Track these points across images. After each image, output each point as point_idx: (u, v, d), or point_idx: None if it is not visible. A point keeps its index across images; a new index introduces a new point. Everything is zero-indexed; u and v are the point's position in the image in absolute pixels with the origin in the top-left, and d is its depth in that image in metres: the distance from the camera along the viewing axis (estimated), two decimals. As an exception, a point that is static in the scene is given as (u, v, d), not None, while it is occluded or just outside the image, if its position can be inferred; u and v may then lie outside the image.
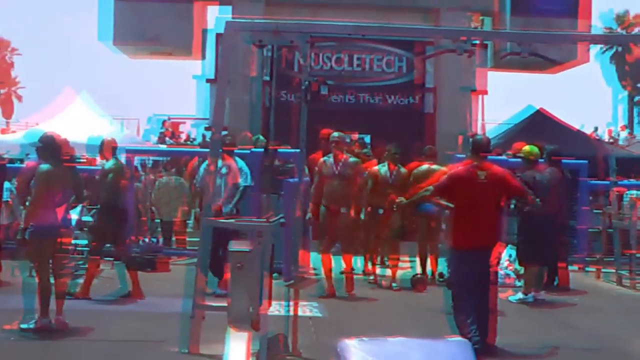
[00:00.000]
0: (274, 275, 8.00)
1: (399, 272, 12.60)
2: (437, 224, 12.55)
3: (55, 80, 72.12)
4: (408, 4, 20.91)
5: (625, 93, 57.38)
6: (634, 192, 14.26)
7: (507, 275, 12.75)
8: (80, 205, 10.59)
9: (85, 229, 12.06)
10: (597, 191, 15.87)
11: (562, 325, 10.40)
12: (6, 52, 67.84)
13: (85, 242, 11.82)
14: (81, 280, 10.78)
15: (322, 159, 11.67)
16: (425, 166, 12.75)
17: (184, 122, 29.66)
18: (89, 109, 25.93)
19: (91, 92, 27.87)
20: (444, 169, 11.72)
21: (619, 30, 56.54)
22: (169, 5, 21.08)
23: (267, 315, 7.24)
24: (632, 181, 16.35)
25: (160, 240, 15.08)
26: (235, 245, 6.95)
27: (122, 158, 14.81)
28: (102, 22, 22.10)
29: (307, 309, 10.07)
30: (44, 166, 8.83)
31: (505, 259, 12.68)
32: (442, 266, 12.36)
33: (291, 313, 8.15)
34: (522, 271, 12.26)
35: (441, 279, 12.45)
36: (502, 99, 30.45)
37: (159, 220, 15.73)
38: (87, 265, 10.81)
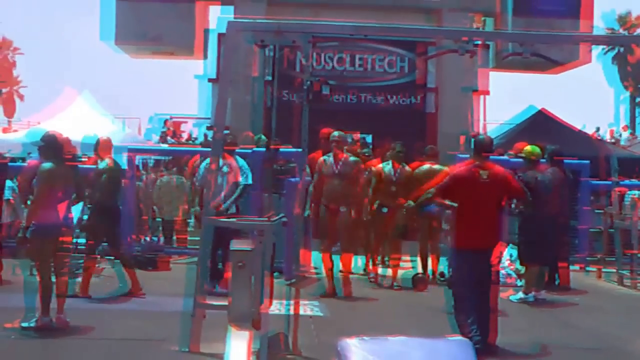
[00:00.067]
0: (275, 274, 8.01)
1: (400, 272, 12.59)
2: (438, 223, 12.55)
3: (57, 79, 72.20)
4: (410, 4, 20.93)
5: (627, 94, 57.37)
6: (636, 192, 14.24)
7: (508, 274, 12.76)
8: (82, 203, 10.58)
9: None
10: (598, 191, 15.87)
11: (563, 325, 10.41)
12: (8, 51, 67.83)
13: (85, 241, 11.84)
14: (79, 279, 10.77)
15: (321, 158, 11.67)
16: (426, 166, 12.77)
17: (186, 122, 29.64)
18: (91, 108, 25.99)
19: (93, 92, 27.95)
20: (445, 168, 11.74)
21: (621, 31, 56.49)
22: (170, 5, 21.09)
23: (267, 314, 7.25)
24: (634, 181, 16.35)
25: (162, 239, 15.08)
26: (236, 244, 6.96)
27: (124, 157, 14.90)
28: (104, 21, 22.12)
29: (307, 308, 10.07)
30: (46, 165, 8.84)
31: (506, 258, 12.67)
32: (443, 266, 12.37)
33: (292, 312, 8.17)
34: (523, 271, 12.27)
35: (442, 279, 12.44)
36: (504, 99, 30.40)
37: (160, 219, 15.74)
38: (83, 264, 10.78)
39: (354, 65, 21.14)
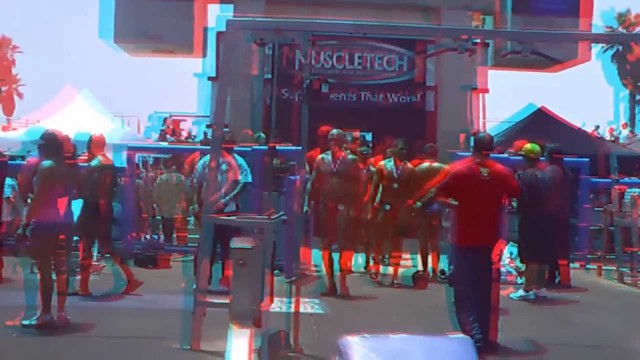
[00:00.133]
0: (276, 272, 8.01)
1: (400, 270, 12.60)
2: (438, 221, 12.56)
3: (56, 77, 72.08)
4: (409, 2, 20.91)
5: (627, 92, 57.37)
6: (636, 190, 14.24)
7: (509, 272, 12.76)
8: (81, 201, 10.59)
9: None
10: (598, 189, 15.86)
11: (564, 323, 10.42)
12: (7, 49, 67.85)
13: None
14: (78, 277, 10.77)
15: (319, 156, 11.62)
16: (426, 164, 12.78)
17: (185, 120, 29.69)
18: (90, 106, 25.99)
19: (92, 90, 27.95)
20: (445, 166, 11.75)
21: (620, 29, 56.49)
22: (170, 3, 21.06)
23: (268, 312, 7.25)
24: (634, 179, 16.36)
25: (162, 237, 15.08)
26: (237, 243, 6.96)
27: (123, 155, 14.92)
28: (103, 19, 22.09)
29: (308, 306, 10.08)
30: (46, 163, 8.84)
31: (507, 256, 12.69)
32: (444, 263, 12.38)
33: (293, 310, 8.17)
34: (523, 268, 12.28)
35: (442, 276, 12.45)
36: (503, 97, 30.42)
37: (159, 217, 15.73)
38: (80, 262, 10.77)
39: (353, 64, 21.12)
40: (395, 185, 12.36)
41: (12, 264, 11.89)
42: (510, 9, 21.70)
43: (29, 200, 9.17)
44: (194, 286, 10.20)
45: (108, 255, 12.12)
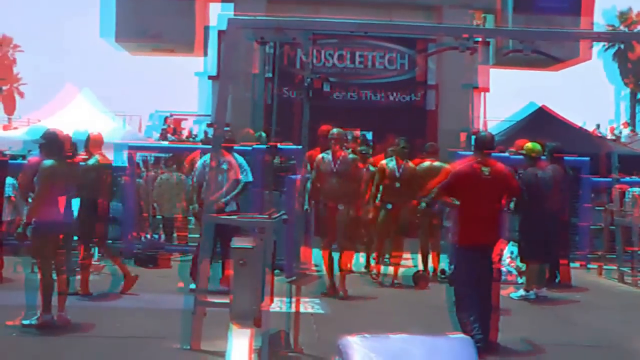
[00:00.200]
0: (276, 271, 8.01)
1: (400, 269, 12.58)
2: (439, 220, 12.55)
3: (57, 76, 72.11)
4: (410, 1, 20.93)
5: (628, 90, 57.35)
6: (636, 189, 14.23)
7: (509, 272, 12.75)
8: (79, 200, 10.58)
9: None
10: (599, 188, 15.86)
11: (564, 322, 10.42)
12: (8, 48, 67.89)
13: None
14: (79, 277, 10.76)
15: (320, 156, 11.57)
16: (426, 163, 12.76)
17: (186, 119, 29.70)
18: (91, 105, 26.00)
19: (93, 89, 27.97)
20: (445, 165, 11.74)
21: (621, 27, 56.45)
22: (171, 2, 21.08)
23: (269, 311, 7.25)
24: (635, 178, 16.34)
25: (162, 236, 15.07)
26: (238, 242, 6.95)
27: (124, 154, 14.91)
28: (104, 18, 22.13)
29: (308, 306, 10.08)
30: (48, 162, 8.84)
31: (507, 255, 12.68)
32: (444, 263, 12.38)
33: (293, 309, 8.17)
34: (523, 268, 12.27)
35: (443, 276, 12.45)
36: (505, 96, 30.45)
37: (160, 217, 15.72)
38: (79, 261, 10.76)
39: (354, 63, 21.13)
40: (397, 185, 12.32)
41: (13, 264, 11.89)
42: (512, 7, 21.72)
43: (29, 200, 9.15)
44: (191, 286, 10.29)
45: (101, 254, 12.12)
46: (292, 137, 11.10)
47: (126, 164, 14.99)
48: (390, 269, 12.60)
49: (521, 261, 12.32)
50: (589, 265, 14.70)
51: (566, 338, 9.36)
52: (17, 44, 68.72)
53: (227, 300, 6.97)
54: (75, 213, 9.79)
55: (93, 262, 11.77)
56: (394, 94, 21.07)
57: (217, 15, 22.58)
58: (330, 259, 11.26)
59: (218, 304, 7.81)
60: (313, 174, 11.55)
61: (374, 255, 13.15)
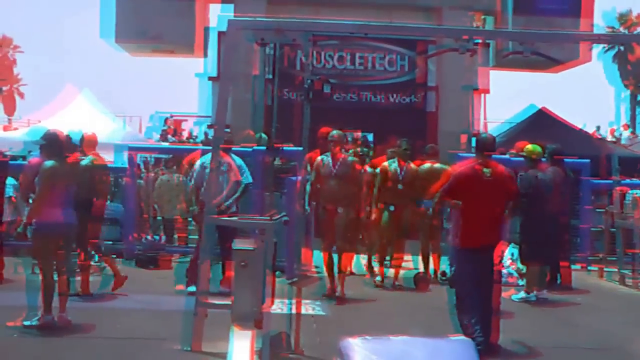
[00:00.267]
0: (277, 273, 7.99)
1: (401, 271, 12.57)
2: (440, 222, 12.54)
3: (57, 77, 72.03)
4: (410, 2, 20.93)
5: (628, 92, 57.36)
6: (637, 191, 14.23)
7: (510, 274, 12.75)
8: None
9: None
10: (599, 190, 15.85)
11: (565, 325, 10.41)
12: (8, 49, 67.87)
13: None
14: (79, 278, 10.75)
15: (319, 158, 11.50)
16: (427, 165, 12.75)
17: (186, 120, 29.71)
18: (91, 106, 26.01)
19: (93, 90, 27.96)
20: (446, 167, 11.73)
21: (621, 29, 56.48)
22: (171, 3, 21.07)
23: (269, 313, 7.24)
24: (635, 180, 16.32)
25: (163, 238, 15.05)
26: (239, 244, 6.95)
27: (125, 155, 14.91)
28: (104, 19, 22.12)
29: (309, 307, 10.08)
30: (49, 163, 8.84)
31: (508, 257, 12.68)
32: (445, 265, 12.36)
33: (294, 311, 8.17)
34: (524, 270, 12.27)
35: (443, 278, 12.43)
36: (504, 97, 30.44)
37: (160, 218, 15.71)
38: (78, 262, 10.75)
39: (355, 64, 21.13)
40: (400, 187, 12.27)
41: (14, 264, 11.89)
42: (512, 9, 21.73)
43: (30, 201, 9.15)
44: (190, 289, 10.28)
45: (113, 255, 12.12)
46: (292, 139, 11.09)
47: (126, 165, 15.00)
48: (391, 271, 12.59)
49: (522, 263, 12.31)
50: (589, 268, 14.69)
51: (567, 340, 9.36)
52: (17, 45, 68.74)
53: (228, 302, 6.97)
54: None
55: (93, 263, 11.77)
56: (394, 95, 21.08)
57: (217, 17, 22.62)
58: (330, 261, 11.24)
59: (219, 306, 7.81)
60: (313, 175, 11.50)
61: (375, 257, 13.12)
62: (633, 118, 53.41)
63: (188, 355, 7.83)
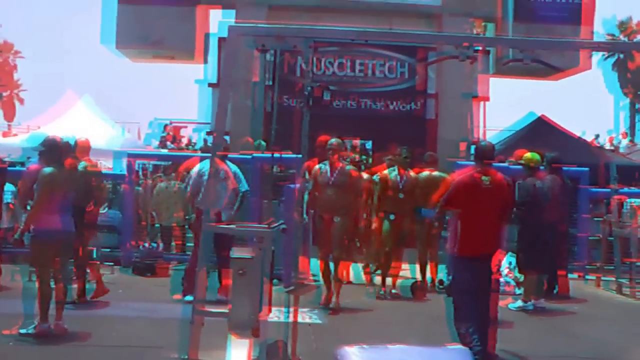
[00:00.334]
0: (274, 281, 7.98)
1: (398, 280, 12.55)
2: (437, 230, 12.53)
3: (57, 83, 72.07)
4: (411, 9, 20.91)
5: (627, 100, 57.37)
6: (635, 200, 14.23)
7: (507, 282, 12.73)
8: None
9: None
10: (597, 199, 15.84)
11: (562, 334, 10.40)
12: (9, 54, 67.89)
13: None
14: (76, 286, 10.73)
15: (317, 166, 11.44)
16: (425, 173, 12.75)
17: (186, 127, 29.65)
18: (91, 112, 26.00)
19: (93, 96, 27.97)
20: (445, 175, 11.73)
21: (621, 37, 56.52)
22: (171, 9, 21.06)
23: (267, 321, 7.22)
24: (633, 189, 16.32)
25: (160, 245, 15.03)
26: (237, 252, 6.94)
27: (123, 162, 14.89)
28: (105, 25, 22.11)
29: (306, 316, 10.07)
30: (47, 169, 8.84)
31: (505, 266, 12.67)
32: (442, 273, 12.35)
33: (291, 319, 8.14)
34: (521, 279, 12.26)
35: (441, 287, 12.42)
36: (504, 105, 30.42)
37: (158, 226, 15.68)
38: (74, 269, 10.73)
39: (355, 71, 21.11)
40: (401, 195, 12.22)
41: (11, 272, 11.87)
42: (512, 16, 21.72)
43: (28, 207, 9.14)
44: (187, 298, 10.27)
45: (110, 263, 12.11)
46: (291, 146, 11.08)
47: (125, 172, 14.99)
48: (389, 280, 12.55)
49: (519, 272, 12.30)
50: (587, 276, 14.68)
51: (564, 349, 9.35)
52: (18, 50, 68.77)
53: (226, 310, 6.96)
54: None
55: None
56: (394, 102, 21.05)
57: (217, 23, 22.56)
58: (327, 270, 11.21)
59: (216, 314, 7.78)
60: (310, 184, 11.46)
61: (374, 268, 13.08)
62: (632, 126, 53.41)
63: (185, 363, 7.82)
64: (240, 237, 8.17)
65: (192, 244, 13.76)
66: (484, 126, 23.98)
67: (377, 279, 12.67)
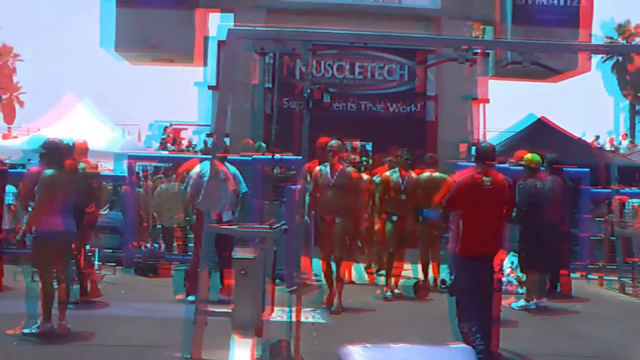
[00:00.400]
0: (277, 281, 7.99)
1: (401, 280, 12.55)
2: (439, 230, 12.53)
3: (57, 86, 72.16)
4: (410, 12, 20.95)
5: (627, 102, 57.41)
6: (636, 200, 14.26)
7: (510, 282, 12.75)
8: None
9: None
10: (598, 199, 15.87)
11: (565, 333, 10.41)
12: (8, 57, 67.89)
13: (87, 247, 11.82)
14: (77, 286, 10.73)
15: (317, 168, 11.42)
16: (426, 174, 12.76)
17: (186, 129, 29.67)
18: (91, 114, 25.99)
19: (93, 98, 27.96)
20: (445, 176, 11.73)
21: (620, 40, 56.56)
22: (170, 12, 21.07)
23: (269, 321, 7.23)
24: (634, 189, 16.35)
25: (162, 246, 15.04)
26: (239, 253, 6.95)
27: (124, 164, 14.91)
28: (104, 28, 22.10)
29: (309, 315, 10.08)
30: (48, 171, 8.85)
31: (508, 266, 12.68)
32: (444, 273, 12.36)
33: (294, 319, 8.15)
34: (524, 278, 12.27)
35: (443, 286, 12.43)
36: (504, 107, 30.41)
37: (160, 226, 15.70)
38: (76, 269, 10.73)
39: (354, 73, 21.13)
40: (403, 197, 12.24)
41: (13, 273, 11.86)
42: (511, 19, 21.75)
43: (29, 209, 9.15)
44: (189, 299, 10.28)
45: (112, 264, 12.11)
46: (291, 148, 11.09)
47: (126, 174, 15.02)
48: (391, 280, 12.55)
49: (521, 271, 12.32)
50: (589, 276, 14.70)
51: (567, 349, 9.35)
52: (18, 53, 68.78)
53: (228, 310, 6.97)
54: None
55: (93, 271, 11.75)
56: (394, 104, 21.07)
57: (216, 26, 22.57)
58: (329, 270, 11.22)
59: (219, 313, 7.79)
60: (311, 185, 11.45)
61: (376, 267, 13.07)
62: (632, 127, 53.43)
63: (188, 363, 7.83)
64: (242, 238, 8.15)
65: (193, 245, 13.78)
66: (484, 128, 24.00)
67: (381, 280, 12.67)
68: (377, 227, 12.41)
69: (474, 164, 8.88)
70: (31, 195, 9.06)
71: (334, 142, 11.36)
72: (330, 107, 19.00)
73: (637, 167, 21.99)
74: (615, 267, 14.20)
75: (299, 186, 11.72)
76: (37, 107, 56.50)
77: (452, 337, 8.22)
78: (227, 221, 10.82)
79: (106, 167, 19.76)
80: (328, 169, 11.25)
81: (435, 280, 12.87)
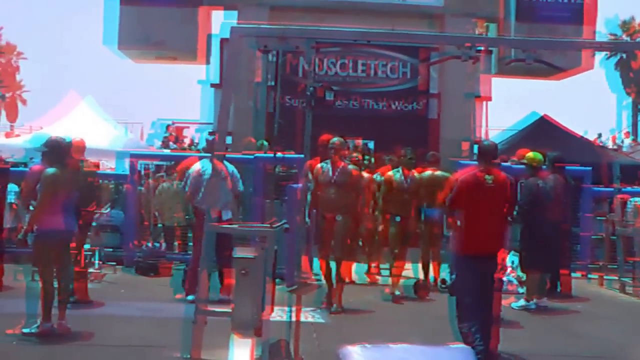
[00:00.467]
0: (277, 281, 7.99)
1: (401, 279, 12.54)
2: (440, 230, 12.51)
3: (60, 84, 72.23)
4: (413, 9, 20.92)
5: (630, 100, 57.30)
6: (638, 199, 14.23)
7: (510, 281, 12.74)
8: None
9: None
10: (600, 198, 15.85)
11: (565, 333, 10.39)
12: (12, 56, 67.91)
13: (87, 246, 11.84)
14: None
15: (319, 165, 11.39)
16: (428, 172, 12.75)
17: (188, 127, 29.64)
18: (94, 113, 26.03)
19: (96, 96, 28.00)
20: (447, 174, 11.72)
21: (624, 37, 56.44)
22: (174, 10, 21.08)
23: (269, 321, 7.23)
24: (636, 188, 16.32)
25: (163, 245, 15.04)
26: (239, 252, 6.94)
27: (126, 162, 14.91)
28: (107, 26, 22.10)
29: (309, 315, 10.07)
30: (50, 170, 8.84)
31: (508, 265, 12.66)
32: (445, 272, 12.35)
33: (293, 319, 8.15)
34: (524, 278, 12.26)
35: (443, 286, 12.41)
36: (507, 105, 30.42)
37: (161, 225, 15.68)
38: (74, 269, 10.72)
39: (357, 71, 21.13)
40: (406, 196, 12.21)
41: (13, 272, 11.87)
42: (514, 16, 21.71)
43: (31, 207, 9.15)
44: (189, 298, 10.28)
45: (112, 263, 12.10)
46: (294, 146, 11.08)
47: (127, 172, 15.01)
48: (390, 279, 12.54)
49: (522, 271, 12.31)
50: (590, 275, 14.69)
51: (567, 348, 9.34)
52: (21, 51, 68.80)
53: (228, 310, 6.96)
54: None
55: (93, 270, 11.76)
56: (396, 102, 21.07)
57: (220, 24, 22.57)
58: (328, 269, 11.19)
59: (219, 313, 7.79)
60: (313, 183, 11.42)
61: (376, 266, 13.05)
62: (635, 125, 53.30)
63: (187, 362, 7.83)
64: (242, 237, 8.15)
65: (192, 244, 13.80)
66: (487, 126, 23.97)
67: (387, 280, 12.66)
68: (381, 227, 12.39)
69: (476, 162, 8.86)
70: (33, 194, 9.05)
71: (335, 139, 11.34)
72: (332, 105, 18.95)
73: (640, 166, 21.96)
74: (615, 266, 14.18)
75: (300, 185, 11.70)
76: (40, 105, 56.57)
77: (452, 337, 8.21)
78: (226, 220, 10.81)
79: (108, 165, 19.79)
80: (329, 166, 11.22)
81: (435, 279, 12.85)
